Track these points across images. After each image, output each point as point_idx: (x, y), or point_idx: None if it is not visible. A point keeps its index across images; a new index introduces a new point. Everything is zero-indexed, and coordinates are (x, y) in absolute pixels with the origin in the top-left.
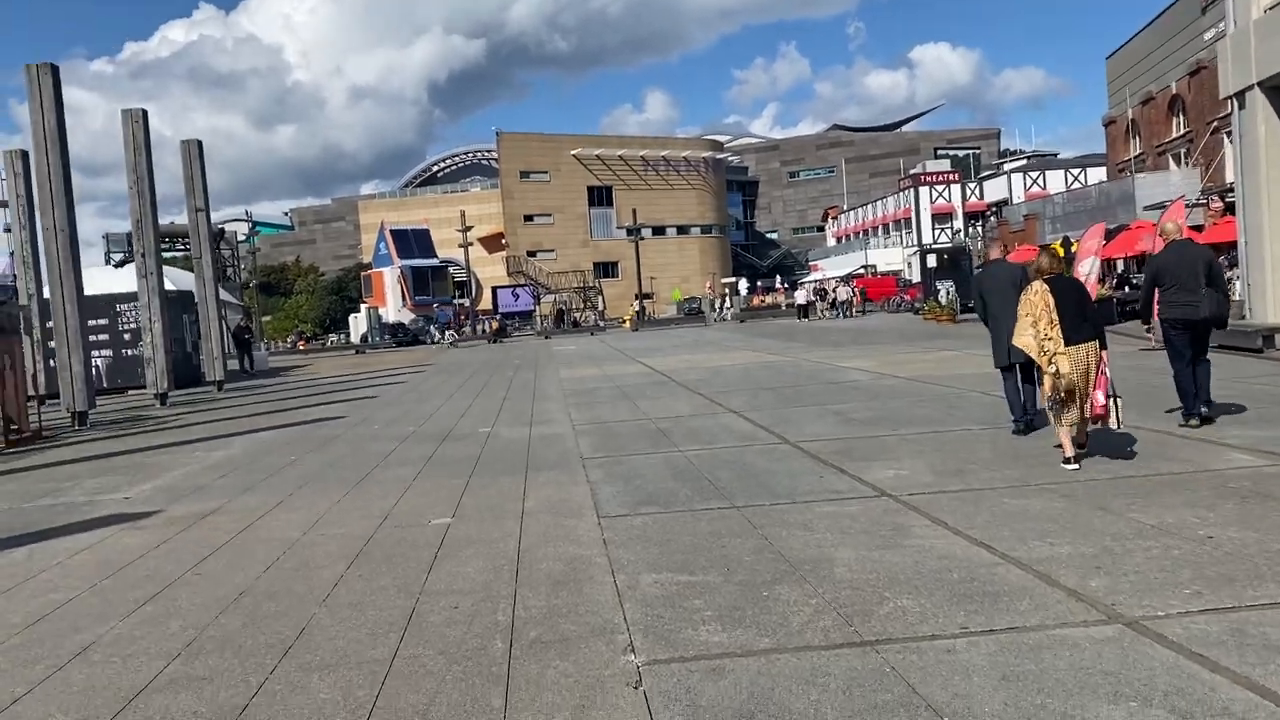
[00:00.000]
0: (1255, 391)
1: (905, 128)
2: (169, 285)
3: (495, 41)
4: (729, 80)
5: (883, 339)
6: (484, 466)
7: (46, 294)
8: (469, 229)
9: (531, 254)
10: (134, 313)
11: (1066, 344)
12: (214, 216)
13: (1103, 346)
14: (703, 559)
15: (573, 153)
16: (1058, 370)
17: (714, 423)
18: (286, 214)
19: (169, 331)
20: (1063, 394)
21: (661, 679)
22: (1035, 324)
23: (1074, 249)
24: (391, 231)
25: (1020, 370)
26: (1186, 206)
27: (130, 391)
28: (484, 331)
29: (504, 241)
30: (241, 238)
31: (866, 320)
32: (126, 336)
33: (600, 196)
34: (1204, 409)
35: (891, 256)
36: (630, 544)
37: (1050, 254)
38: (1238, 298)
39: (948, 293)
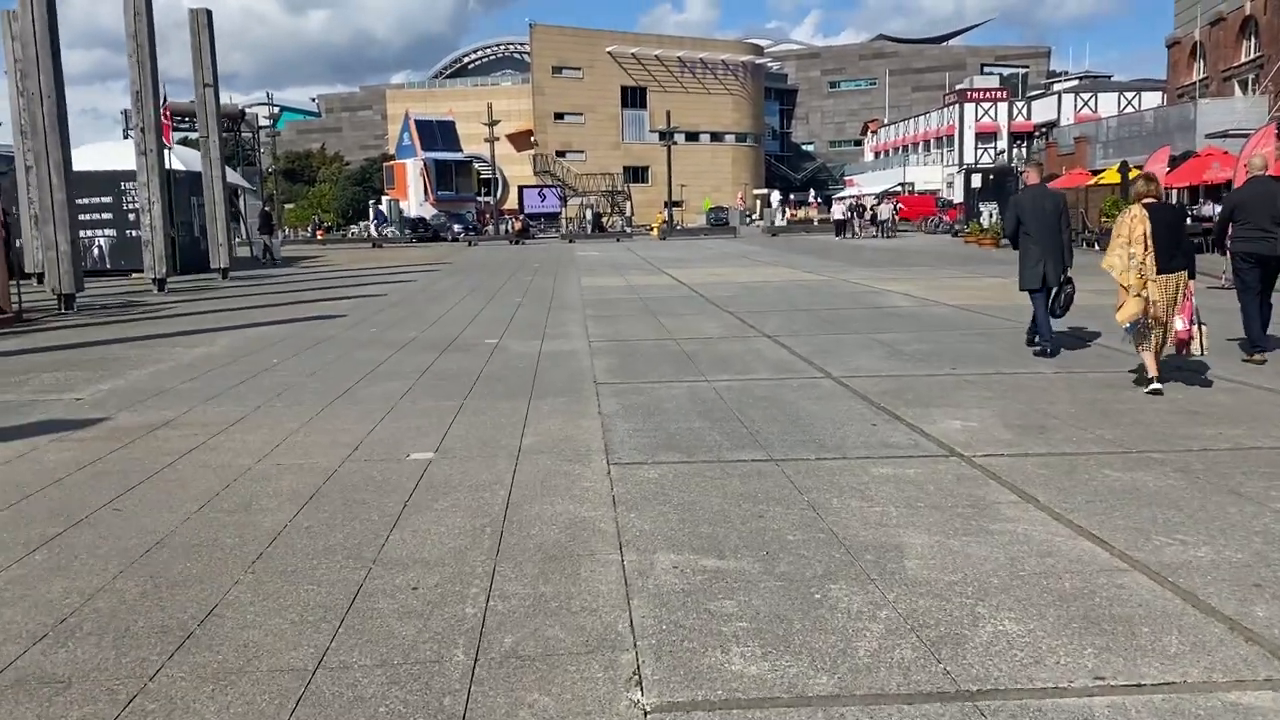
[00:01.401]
0: None
1: (952, 42)
2: (181, 165)
3: None
4: None
5: (923, 261)
6: (483, 386)
7: None
8: (496, 123)
9: (560, 154)
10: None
11: (1159, 272)
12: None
13: (1191, 276)
14: (735, 534)
15: (608, 49)
16: (1148, 297)
17: (745, 348)
18: (314, 100)
19: (170, 214)
20: (1150, 321)
21: None
22: (1128, 246)
23: (1131, 175)
24: (416, 121)
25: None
26: (1277, 135)
27: (134, 274)
28: (506, 231)
29: (533, 140)
30: (265, 121)
31: (903, 240)
32: (131, 216)
33: (634, 98)
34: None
35: (931, 175)
36: (645, 504)
37: (1149, 178)
38: None
39: (991, 215)
